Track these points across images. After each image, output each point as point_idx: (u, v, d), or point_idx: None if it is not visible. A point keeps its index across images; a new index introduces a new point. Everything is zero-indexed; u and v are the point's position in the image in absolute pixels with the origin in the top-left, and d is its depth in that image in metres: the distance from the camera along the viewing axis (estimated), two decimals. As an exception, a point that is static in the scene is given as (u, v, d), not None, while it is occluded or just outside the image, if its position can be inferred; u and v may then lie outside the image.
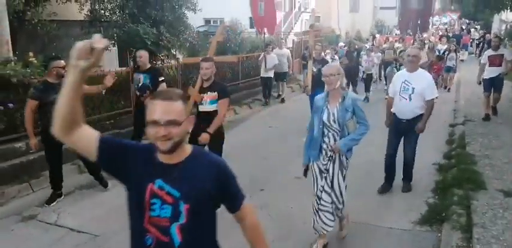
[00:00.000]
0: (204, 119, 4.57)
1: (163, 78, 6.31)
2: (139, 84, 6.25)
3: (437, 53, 12.69)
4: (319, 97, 3.86)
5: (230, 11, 14.56)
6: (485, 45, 19.89)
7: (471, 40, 25.46)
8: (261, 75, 11.26)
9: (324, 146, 3.81)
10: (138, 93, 6.36)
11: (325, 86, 3.75)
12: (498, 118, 8.32)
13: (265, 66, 10.92)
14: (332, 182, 3.81)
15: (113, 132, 6.92)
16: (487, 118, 8.43)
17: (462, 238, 3.93)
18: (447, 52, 13.32)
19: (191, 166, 1.77)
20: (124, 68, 8.48)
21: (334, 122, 3.70)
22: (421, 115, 4.91)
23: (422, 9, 9.68)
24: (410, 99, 4.83)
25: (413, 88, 4.80)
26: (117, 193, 5.35)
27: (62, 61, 4.78)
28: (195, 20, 12.42)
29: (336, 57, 11.83)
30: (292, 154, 6.07)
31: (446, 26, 35.18)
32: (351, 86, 10.79)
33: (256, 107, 10.97)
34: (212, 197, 1.79)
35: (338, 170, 3.80)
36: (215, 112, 4.61)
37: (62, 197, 5.14)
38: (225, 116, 4.75)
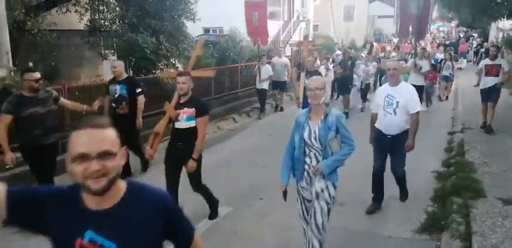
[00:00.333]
0: (180, 137, 4.40)
1: (141, 90, 6.07)
2: (116, 95, 5.96)
3: (433, 62, 12.52)
4: (301, 113, 3.61)
5: (229, 20, 14.62)
6: (483, 55, 19.91)
7: (469, 48, 25.61)
8: (256, 87, 11.06)
9: (306, 167, 3.54)
10: (113, 105, 6.01)
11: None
12: (496, 125, 8.30)
13: (259, 77, 10.70)
14: (315, 215, 3.44)
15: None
16: (484, 126, 8.38)
17: (461, 246, 3.93)
18: (444, 61, 13.19)
19: (128, 208, 1.46)
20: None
21: (316, 140, 3.43)
22: (407, 130, 4.75)
23: (421, 16, 9.63)
24: (395, 113, 4.67)
25: (397, 102, 4.64)
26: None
27: (35, 73, 4.51)
28: (194, 29, 12.50)
29: (331, 67, 11.72)
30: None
31: (443, 34, 35.49)
32: (341, 95, 10.63)
33: (255, 115, 10.99)
34: (158, 240, 1.54)
35: (319, 207, 3.43)
36: (192, 129, 4.35)
37: None
38: (205, 133, 4.53)
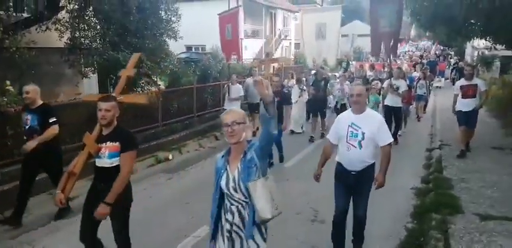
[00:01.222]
0: (102, 177, 3.62)
1: (55, 119, 5.09)
2: (26, 127, 5.12)
3: (408, 83, 11.47)
4: (219, 156, 2.92)
5: (211, 38, 14.76)
6: (457, 73, 20.27)
7: (447, 67, 26.22)
8: (224, 107, 10.18)
9: (228, 226, 2.72)
10: (25, 138, 5.13)
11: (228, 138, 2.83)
12: (474, 142, 8.40)
13: (228, 96, 9.97)
14: None
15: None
16: (461, 155, 7.70)
17: (441, 263, 3.95)
18: (418, 80, 12.94)
19: None
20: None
21: (236, 191, 2.68)
22: (372, 165, 4.06)
23: (392, 33, 9.47)
24: (360, 146, 3.93)
25: (363, 133, 3.92)
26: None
27: None
28: (176, 47, 12.57)
29: (305, 87, 11.18)
30: (278, 180, 6.05)
31: (420, 52, 36.32)
32: (319, 118, 10.22)
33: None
34: None
35: None
36: (116, 168, 3.55)
37: None
38: (130, 173, 3.64)
